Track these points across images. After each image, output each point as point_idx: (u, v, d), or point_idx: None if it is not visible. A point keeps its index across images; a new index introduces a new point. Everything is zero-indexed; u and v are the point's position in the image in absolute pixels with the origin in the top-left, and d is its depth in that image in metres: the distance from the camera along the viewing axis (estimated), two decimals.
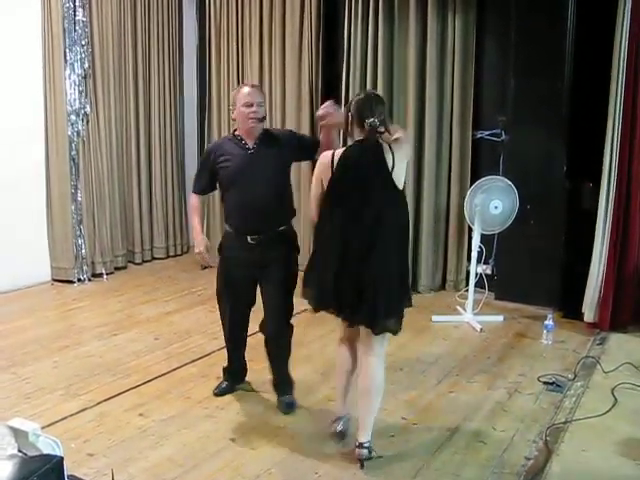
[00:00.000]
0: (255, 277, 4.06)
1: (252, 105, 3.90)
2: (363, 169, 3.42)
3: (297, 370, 4.42)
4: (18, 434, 2.13)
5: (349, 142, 3.57)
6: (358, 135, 3.48)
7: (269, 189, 3.92)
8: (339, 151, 3.51)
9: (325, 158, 3.53)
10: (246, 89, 3.99)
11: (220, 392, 4.31)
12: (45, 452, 2.11)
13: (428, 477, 3.42)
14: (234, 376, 4.39)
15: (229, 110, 4.15)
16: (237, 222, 4.02)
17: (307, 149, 4.09)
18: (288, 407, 4.11)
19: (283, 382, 4.20)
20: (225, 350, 4.39)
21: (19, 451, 2.12)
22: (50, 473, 1.93)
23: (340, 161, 3.44)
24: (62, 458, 2.02)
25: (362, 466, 3.48)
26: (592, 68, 5.70)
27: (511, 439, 3.79)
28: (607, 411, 4.11)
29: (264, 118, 3.99)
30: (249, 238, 3.94)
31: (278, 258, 3.97)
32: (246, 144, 3.98)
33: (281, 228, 4.01)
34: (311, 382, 4.51)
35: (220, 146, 4.09)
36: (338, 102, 6.28)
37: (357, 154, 3.45)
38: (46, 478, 1.91)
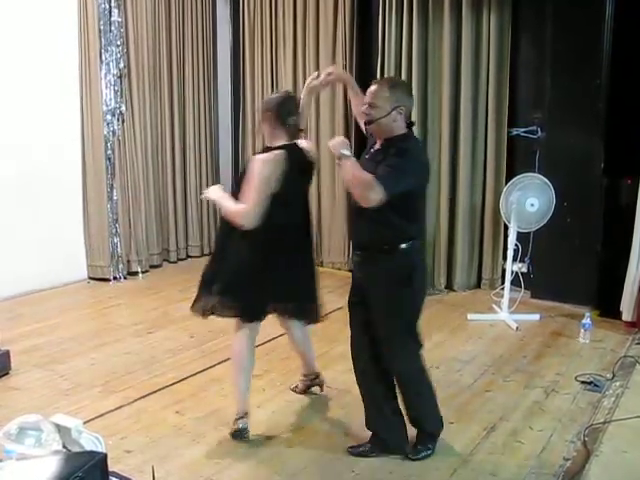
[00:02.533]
0: None
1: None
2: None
3: (332, 368, 4.41)
4: (62, 430, 2.15)
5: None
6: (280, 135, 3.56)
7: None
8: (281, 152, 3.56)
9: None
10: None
11: None
12: (87, 448, 2.13)
13: (465, 477, 3.40)
14: None
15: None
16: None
17: None
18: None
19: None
20: None
21: (63, 447, 2.15)
22: (94, 469, 1.95)
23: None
24: (105, 455, 2.04)
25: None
26: (630, 63, 5.62)
27: (549, 439, 3.76)
28: None
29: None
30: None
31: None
32: (371, 148, 3.57)
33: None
34: (347, 380, 4.49)
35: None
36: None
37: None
38: (90, 474, 1.92)
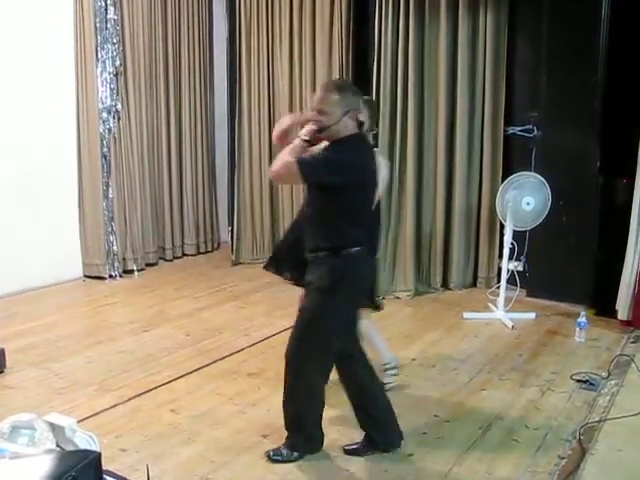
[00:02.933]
0: None
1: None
2: None
3: None
4: (55, 429, 2.14)
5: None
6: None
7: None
8: None
9: None
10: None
11: None
12: (81, 447, 2.12)
13: (460, 475, 3.40)
14: None
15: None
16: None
17: None
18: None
19: None
20: None
21: (57, 446, 2.14)
22: (88, 468, 1.94)
23: None
24: (99, 453, 2.03)
25: None
26: (626, 62, 5.62)
27: (544, 438, 3.75)
28: None
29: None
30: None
31: None
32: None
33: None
34: None
35: None
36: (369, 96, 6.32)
37: None
38: (84, 473, 1.92)
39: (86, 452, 2.04)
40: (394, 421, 3.63)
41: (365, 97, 3.54)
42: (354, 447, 3.62)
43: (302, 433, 3.57)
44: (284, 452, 3.54)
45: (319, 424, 3.58)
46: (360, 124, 3.35)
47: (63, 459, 1.98)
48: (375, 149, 3.90)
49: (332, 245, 3.32)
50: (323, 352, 3.43)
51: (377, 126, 3.32)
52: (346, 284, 3.32)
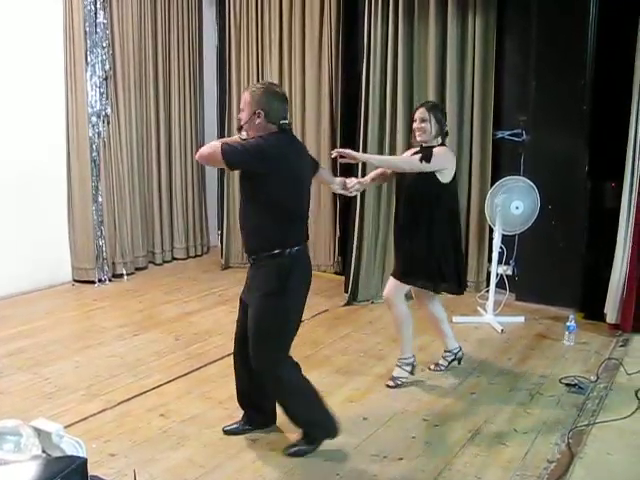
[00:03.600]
0: None
1: None
2: None
3: (317, 370, 4.42)
4: (42, 435, 2.13)
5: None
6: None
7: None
8: None
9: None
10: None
11: None
12: (68, 453, 2.11)
13: (449, 479, 3.40)
14: None
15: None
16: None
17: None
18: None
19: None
20: None
21: (43, 452, 2.13)
22: (73, 474, 1.93)
23: None
24: (85, 459, 2.02)
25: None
26: (614, 67, 5.65)
27: (533, 441, 3.76)
28: (631, 414, 4.05)
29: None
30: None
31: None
32: None
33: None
34: (331, 383, 4.50)
35: None
36: (357, 102, 6.34)
37: None
38: (70, 479, 1.91)
39: (72, 458, 2.03)
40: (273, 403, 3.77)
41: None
42: (234, 427, 3.85)
43: (315, 424, 3.67)
44: (305, 448, 3.64)
45: (324, 406, 3.65)
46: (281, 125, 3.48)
47: (49, 465, 1.97)
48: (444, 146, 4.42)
49: (273, 245, 3.42)
50: (287, 350, 3.61)
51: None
52: (294, 282, 3.45)
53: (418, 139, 4.39)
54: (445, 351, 4.80)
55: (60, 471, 1.90)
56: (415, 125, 4.40)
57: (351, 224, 6.43)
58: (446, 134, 4.48)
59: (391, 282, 4.45)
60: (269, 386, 3.64)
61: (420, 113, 4.38)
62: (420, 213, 4.33)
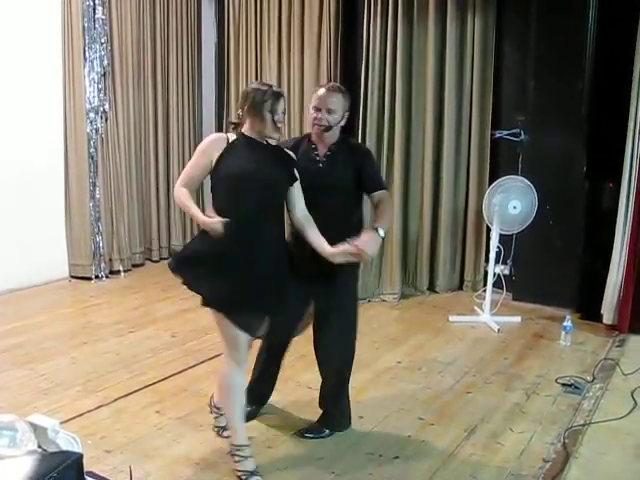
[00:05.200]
0: None
1: (320, 110, 3.51)
2: None
3: (313, 370, 4.41)
4: (37, 430, 2.13)
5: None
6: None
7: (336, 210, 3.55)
8: None
9: None
10: (321, 90, 3.57)
11: None
12: (64, 448, 2.11)
13: (445, 478, 3.40)
14: None
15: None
16: None
17: (364, 187, 3.64)
18: None
19: None
20: None
21: (38, 447, 2.13)
22: (69, 469, 1.93)
23: None
24: (81, 455, 2.02)
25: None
26: (613, 68, 5.64)
27: (529, 441, 3.76)
28: (627, 414, 4.07)
29: (330, 128, 3.53)
30: None
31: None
32: (317, 154, 3.60)
33: None
34: None
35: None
36: (356, 103, 6.33)
37: None
38: (65, 474, 1.91)
39: (68, 453, 2.03)
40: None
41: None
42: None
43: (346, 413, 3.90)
44: (327, 431, 3.81)
45: None
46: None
47: (44, 460, 1.97)
48: None
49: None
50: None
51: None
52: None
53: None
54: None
55: (56, 466, 1.90)
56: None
57: None
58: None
59: None
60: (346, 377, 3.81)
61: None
62: None
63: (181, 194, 3.24)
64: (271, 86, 3.28)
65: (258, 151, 3.26)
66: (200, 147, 3.30)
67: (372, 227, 3.38)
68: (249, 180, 3.17)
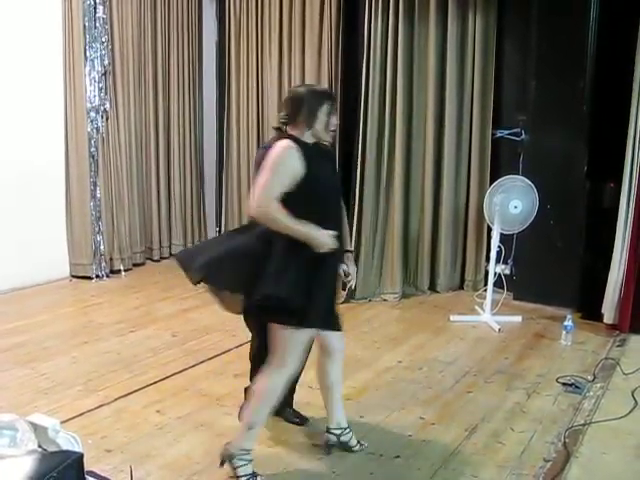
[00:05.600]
0: None
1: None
2: None
3: (314, 369, 4.41)
4: (38, 430, 2.13)
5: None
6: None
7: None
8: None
9: None
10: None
11: None
12: (64, 448, 2.11)
13: (446, 477, 3.40)
14: None
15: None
16: None
17: None
18: None
19: None
20: None
21: (39, 446, 2.13)
22: (70, 469, 1.93)
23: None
24: (82, 454, 2.02)
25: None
26: (614, 67, 5.64)
27: (529, 440, 3.76)
28: (627, 413, 4.07)
29: None
30: None
31: None
32: None
33: None
34: None
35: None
36: (357, 102, 6.33)
37: None
38: (66, 474, 1.91)
39: (68, 453, 2.03)
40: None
41: None
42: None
43: None
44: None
45: None
46: None
47: (45, 460, 1.97)
48: None
49: None
50: None
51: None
52: None
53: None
54: None
55: (56, 466, 1.90)
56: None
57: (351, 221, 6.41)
58: None
59: None
60: None
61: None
62: None
63: (280, 212, 3.05)
64: (325, 90, 3.27)
65: (325, 158, 3.30)
66: (278, 160, 3.08)
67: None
68: (330, 188, 3.23)
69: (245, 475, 3.28)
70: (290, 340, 3.18)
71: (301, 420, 3.94)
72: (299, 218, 3.05)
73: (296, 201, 3.07)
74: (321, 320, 3.19)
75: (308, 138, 3.20)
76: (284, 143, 3.13)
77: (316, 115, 3.17)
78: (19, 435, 2.07)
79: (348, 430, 3.63)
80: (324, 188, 3.18)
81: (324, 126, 3.20)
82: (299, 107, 3.19)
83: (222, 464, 3.33)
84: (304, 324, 3.13)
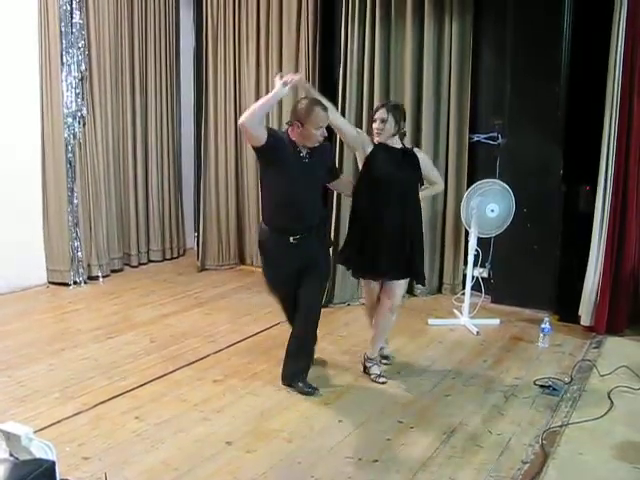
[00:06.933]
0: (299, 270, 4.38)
1: (321, 128, 4.19)
2: None
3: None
4: (10, 438, 2.11)
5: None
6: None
7: (314, 198, 4.40)
8: None
9: None
10: (322, 113, 4.17)
11: None
12: (38, 456, 2.09)
13: None
14: None
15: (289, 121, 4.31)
16: (282, 223, 4.31)
17: (329, 175, 4.63)
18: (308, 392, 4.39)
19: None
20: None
21: (11, 455, 2.11)
22: (41, 477, 1.91)
23: None
24: (54, 462, 2.00)
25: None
26: (589, 71, 5.70)
27: (507, 443, 3.78)
28: (603, 414, 4.10)
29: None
30: (291, 238, 4.28)
31: (317, 259, 4.42)
32: (300, 152, 4.25)
33: (317, 231, 4.41)
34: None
35: (284, 141, 4.25)
36: (335, 106, 6.33)
37: None
38: None
39: (40, 461, 2.01)
40: None
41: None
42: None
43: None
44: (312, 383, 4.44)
45: None
46: None
47: (16, 468, 1.95)
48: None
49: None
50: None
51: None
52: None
53: (376, 139, 4.49)
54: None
55: (28, 474, 1.88)
56: (375, 125, 4.49)
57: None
58: (404, 134, 4.68)
59: (401, 288, 4.65)
60: (313, 329, 4.52)
61: (380, 113, 4.47)
62: (411, 214, 4.63)
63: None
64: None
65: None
66: None
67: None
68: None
69: (374, 374, 4.61)
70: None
71: (312, 390, 4.38)
72: None
73: None
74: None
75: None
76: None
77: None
78: None
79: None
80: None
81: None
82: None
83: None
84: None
